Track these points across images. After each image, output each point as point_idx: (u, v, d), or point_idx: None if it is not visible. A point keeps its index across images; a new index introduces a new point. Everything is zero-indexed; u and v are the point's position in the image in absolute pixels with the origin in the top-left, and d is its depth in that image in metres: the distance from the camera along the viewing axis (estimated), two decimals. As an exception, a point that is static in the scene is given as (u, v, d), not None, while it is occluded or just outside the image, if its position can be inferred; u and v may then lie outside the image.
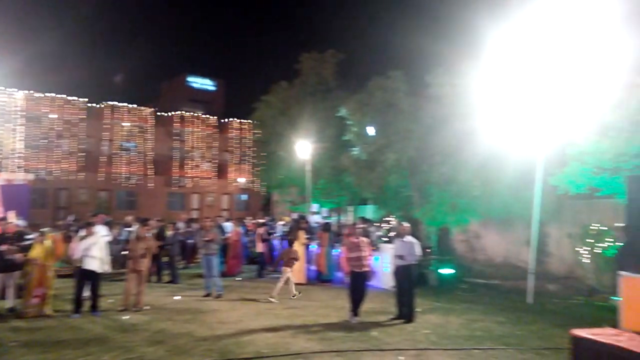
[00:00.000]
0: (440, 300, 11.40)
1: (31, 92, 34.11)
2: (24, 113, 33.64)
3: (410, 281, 9.45)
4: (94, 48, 44.44)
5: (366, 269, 9.47)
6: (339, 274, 14.11)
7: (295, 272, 14.18)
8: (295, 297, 11.58)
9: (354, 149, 16.78)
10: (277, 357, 6.99)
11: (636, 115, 9.53)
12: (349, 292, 9.51)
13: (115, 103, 37.33)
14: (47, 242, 9.87)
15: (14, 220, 11.37)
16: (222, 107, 44.65)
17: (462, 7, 13.81)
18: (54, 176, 34.71)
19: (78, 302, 9.61)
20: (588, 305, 10.34)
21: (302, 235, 14.67)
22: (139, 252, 10.41)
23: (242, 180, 42.61)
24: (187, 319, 9.40)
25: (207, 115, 41.87)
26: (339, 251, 13.74)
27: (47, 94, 34.73)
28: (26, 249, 9.71)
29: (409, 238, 9.64)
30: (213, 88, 46.11)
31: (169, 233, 15.14)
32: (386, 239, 15.66)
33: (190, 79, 44.98)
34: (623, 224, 7.76)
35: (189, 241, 17.32)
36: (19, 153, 33.37)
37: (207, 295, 11.82)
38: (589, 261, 11.75)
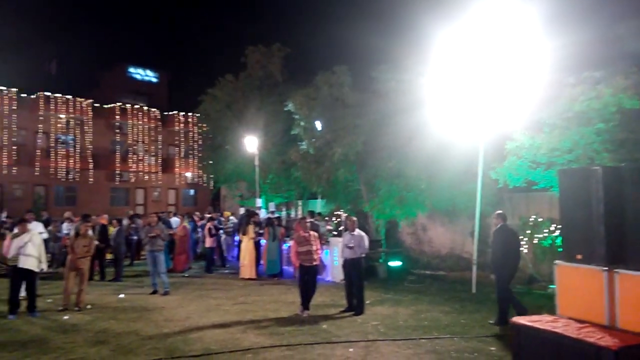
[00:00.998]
0: (389, 292, 11.60)
1: (-43, 81, 31.90)
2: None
3: (360, 274, 9.58)
4: (25, 33, 41.67)
5: (316, 262, 9.53)
6: (289, 269, 14.14)
7: (246, 268, 14.11)
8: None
9: (302, 143, 16.75)
10: (226, 354, 6.89)
11: (566, 113, 10.06)
12: (299, 286, 9.55)
13: (50, 94, 35.38)
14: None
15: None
16: (166, 100, 43.07)
17: (406, 5, 14.08)
18: (-16, 171, 32.70)
19: (14, 302, 9.19)
20: (528, 293, 10.78)
21: (252, 230, 14.56)
22: (80, 249, 10.09)
23: (189, 174, 41.68)
24: (132, 318, 9.12)
25: (150, 108, 40.43)
26: (288, 245, 13.74)
27: (-26, 84, 32.50)
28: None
29: (357, 231, 9.78)
30: (155, 80, 44.28)
31: (113, 229, 14.63)
32: (335, 233, 15.82)
33: (131, 69, 43.10)
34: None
35: (134, 237, 16.87)
36: (-55, 146, 31.20)
37: (154, 292, 11.56)
38: (527, 251, 12.30)
